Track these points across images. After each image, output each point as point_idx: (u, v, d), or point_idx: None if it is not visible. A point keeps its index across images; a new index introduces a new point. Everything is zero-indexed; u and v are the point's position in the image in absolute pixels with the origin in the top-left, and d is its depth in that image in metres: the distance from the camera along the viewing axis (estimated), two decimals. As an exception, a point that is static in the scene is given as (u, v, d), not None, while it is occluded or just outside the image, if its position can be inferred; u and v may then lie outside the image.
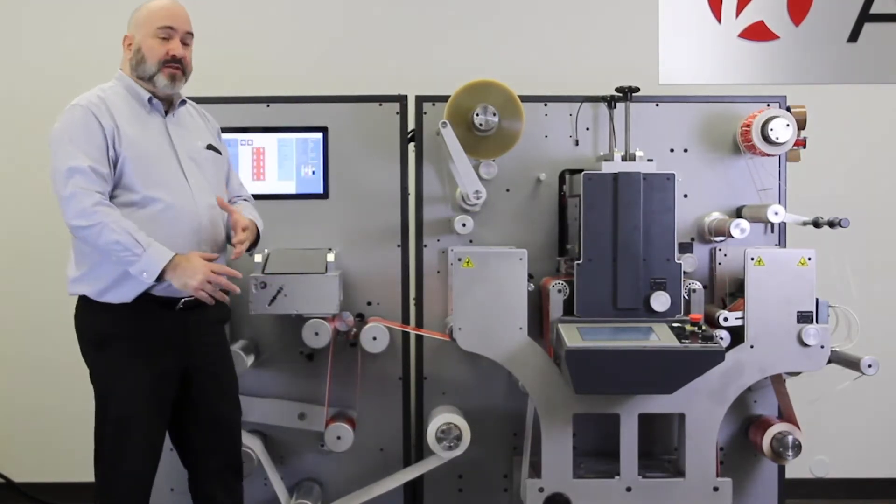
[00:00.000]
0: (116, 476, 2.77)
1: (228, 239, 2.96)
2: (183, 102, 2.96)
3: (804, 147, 3.53)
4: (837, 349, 3.30)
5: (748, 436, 3.56)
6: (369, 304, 3.57)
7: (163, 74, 2.83)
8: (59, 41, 4.35)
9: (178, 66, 2.85)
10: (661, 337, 3.08)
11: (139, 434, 2.76)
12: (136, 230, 2.67)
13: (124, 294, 2.74)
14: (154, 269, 2.66)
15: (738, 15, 4.41)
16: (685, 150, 3.59)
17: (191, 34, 2.90)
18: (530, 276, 3.27)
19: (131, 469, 2.76)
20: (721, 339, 3.23)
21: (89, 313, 2.80)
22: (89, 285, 2.77)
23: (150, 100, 2.86)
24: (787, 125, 3.41)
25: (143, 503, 2.82)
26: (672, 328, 3.12)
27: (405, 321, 3.56)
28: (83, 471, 4.38)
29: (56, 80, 4.29)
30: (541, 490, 3.18)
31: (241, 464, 3.07)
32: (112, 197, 2.73)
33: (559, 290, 3.26)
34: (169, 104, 2.91)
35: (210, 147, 2.98)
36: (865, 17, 4.39)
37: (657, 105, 3.59)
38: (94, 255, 2.74)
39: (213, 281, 2.72)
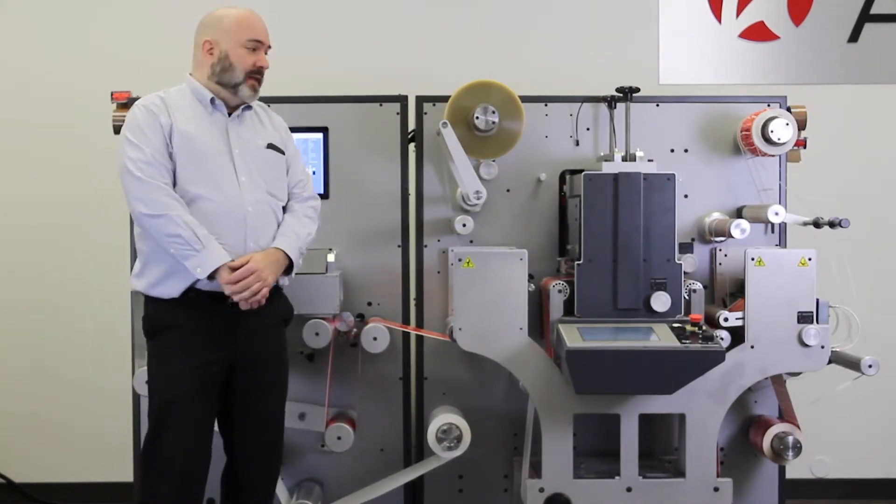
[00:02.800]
0: (157, 461, 2.85)
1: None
2: (249, 107, 3.02)
3: (804, 147, 3.53)
4: (838, 349, 3.30)
5: (748, 436, 3.56)
6: (369, 304, 3.57)
7: (247, 85, 2.94)
8: (66, 41, 4.34)
9: (260, 77, 2.96)
10: (662, 337, 3.08)
11: (181, 421, 2.84)
12: (198, 226, 2.77)
13: (171, 289, 2.85)
14: (208, 266, 2.77)
15: (738, 15, 4.41)
16: (685, 151, 3.59)
17: (269, 47, 3.01)
18: (530, 277, 3.27)
19: (171, 455, 2.83)
20: (721, 339, 3.23)
21: (146, 306, 2.93)
22: (142, 280, 2.90)
23: (212, 100, 2.93)
24: (788, 125, 3.41)
25: (186, 493, 2.86)
26: (672, 328, 3.12)
27: (405, 321, 3.56)
28: (83, 471, 4.41)
29: (65, 80, 4.30)
30: (541, 490, 3.18)
31: (279, 463, 3.12)
32: None
33: (559, 291, 3.26)
34: (233, 106, 2.98)
35: (270, 146, 3.02)
36: (865, 17, 4.39)
37: (657, 105, 3.59)
38: (147, 253, 2.88)
39: (263, 293, 2.84)
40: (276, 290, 3.00)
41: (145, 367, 3.13)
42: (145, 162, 2.78)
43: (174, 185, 2.83)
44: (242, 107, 3.00)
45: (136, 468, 3.53)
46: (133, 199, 2.78)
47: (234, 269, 2.79)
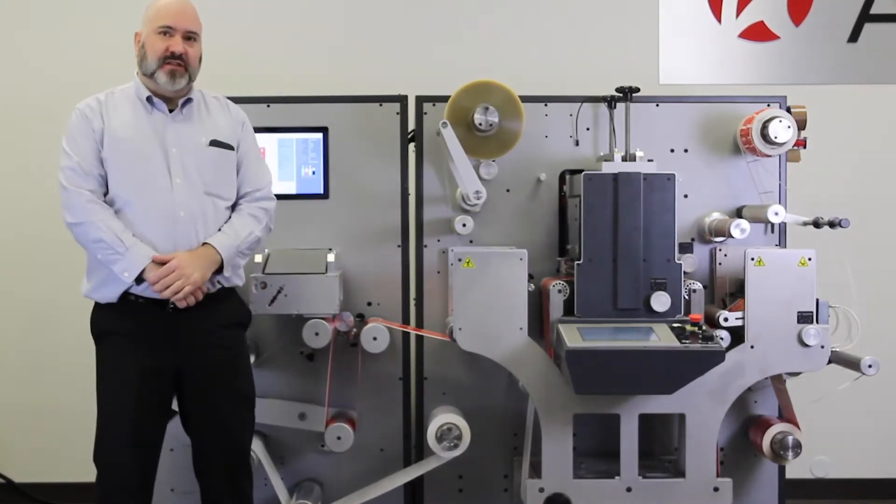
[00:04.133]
0: (106, 468, 2.84)
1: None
2: (189, 100, 2.94)
3: (804, 147, 3.52)
4: (837, 349, 3.30)
5: (748, 436, 3.56)
6: (369, 304, 3.57)
7: (162, 71, 2.85)
8: (60, 43, 4.34)
9: (179, 63, 2.85)
10: (662, 337, 3.08)
11: (125, 428, 2.80)
12: (123, 230, 2.76)
13: (109, 294, 2.85)
14: (134, 269, 2.75)
15: (738, 15, 4.41)
16: (685, 151, 3.59)
17: (194, 32, 2.91)
18: (530, 277, 3.27)
19: (118, 461, 2.81)
20: (721, 339, 3.23)
21: (93, 310, 2.93)
22: (87, 285, 2.91)
23: (149, 98, 2.89)
24: (788, 125, 3.41)
25: (135, 498, 2.85)
26: (672, 328, 3.12)
27: (405, 321, 3.56)
28: (83, 471, 4.38)
29: (57, 83, 4.30)
30: (541, 490, 3.18)
31: (246, 467, 3.04)
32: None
33: (559, 291, 3.26)
34: (175, 102, 2.92)
35: (215, 143, 2.95)
36: (865, 17, 4.39)
37: (657, 105, 3.59)
38: (89, 258, 2.91)
39: (197, 287, 2.81)
40: (227, 292, 2.96)
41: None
42: (71, 170, 2.80)
43: (107, 191, 2.83)
44: (182, 101, 2.93)
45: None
46: (62, 208, 2.80)
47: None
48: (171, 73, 2.85)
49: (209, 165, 2.93)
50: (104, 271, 2.82)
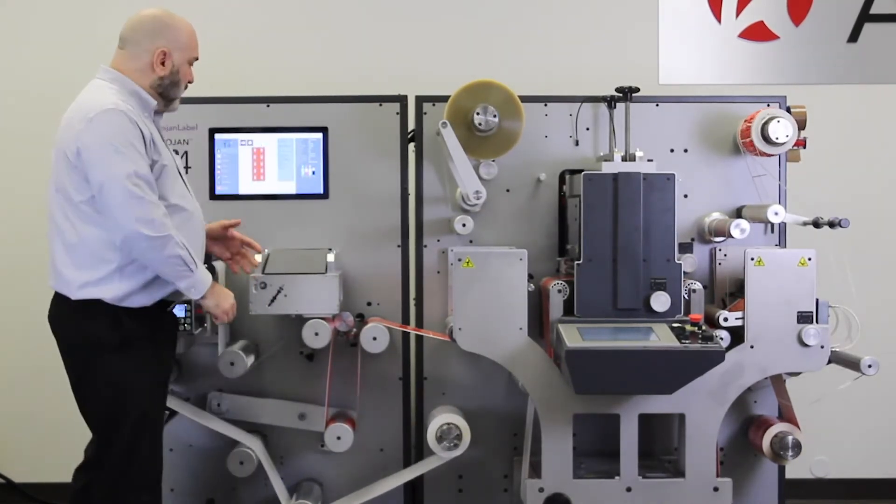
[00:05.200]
0: (146, 471, 2.83)
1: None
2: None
3: (804, 147, 3.52)
4: (837, 349, 3.30)
5: (748, 436, 3.56)
6: (369, 304, 3.57)
7: (179, 99, 2.95)
8: (65, 40, 4.34)
9: None
10: (661, 337, 3.08)
11: (160, 428, 2.91)
12: (188, 245, 2.74)
13: (149, 298, 2.78)
14: (202, 287, 2.77)
15: (738, 15, 4.41)
16: (685, 150, 3.59)
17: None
18: (530, 277, 3.27)
19: (159, 462, 2.89)
20: (721, 339, 3.23)
21: (107, 316, 2.74)
22: (110, 289, 2.72)
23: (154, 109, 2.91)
24: (788, 125, 3.41)
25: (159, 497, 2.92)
26: (672, 328, 3.12)
27: (405, 321, 3.56)
28: (83, 471, 4.39)
29: (65, 80, 4.29)
30: (541, 490, 3.18)
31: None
32: None
33: (559, 291, 3.26)
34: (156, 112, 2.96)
35: (177, 151, 3.11)
36: (865, 17, 4.39)
37: (657, 105, 3.59)
38: (116, 260, 2.71)
39: (235, 308, 2.91)
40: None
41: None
42: (142, 178, 2.66)
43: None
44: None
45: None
46: (129, 214, 2.62)
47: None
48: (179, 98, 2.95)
49: (182, 170, 3.02)
50: (144, 277, 2.73)
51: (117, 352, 2.75)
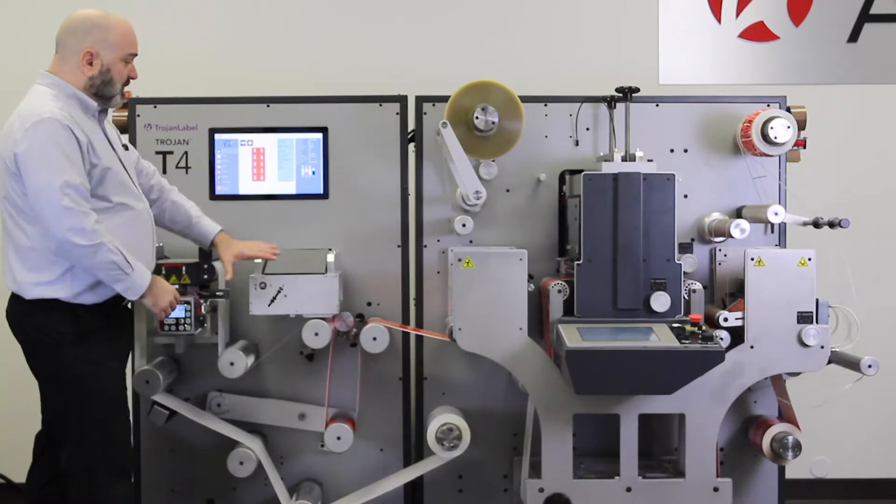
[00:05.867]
0: (119, 455, 2.94)
1: None
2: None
3: (804, 147, 3.53)
4: (837, 349, 3.30)
5: (748, 436, 3.56)
6: (369, 304, 3.57)
7: (120, 95, 2.97)
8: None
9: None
10: (661, 337, 3.08)
11: (126, 412, 3.02)
12: (126, 250, 2.81)
13: (100, 295, 2.89)
14: (138, 288, 2.84)
15: (738, 15, 4.41)
16: (685, 151, 3.59)
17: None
18: (530, 277, 3.27)
19: (129, 447, 3.03)
20: (721, 339, 3.23)
21: (62, 313, 2.86)
22: (63, 289, 2.84)
23: (96, 109, 2.94)
24: (787, 125, 3.41)
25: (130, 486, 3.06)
26: (672, 328, 3.12)
27: (405, 321, 3.56)
28: (83, 471, 4.38)
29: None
30: (541, 490, 3.18)
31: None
32: None
33: (559, 291, 3.26)
34: (101, 110, 2.99)
35: (125, 146, 3.11)
36: (865, 17, 4.39)
37: (657, 105, 3.59)
38: (65, 262, 2.83)
39: (172, 306, 2.95)
40: None
41: (147, 368, 3.22)
42: (74, 188, 2.73)
43: (93, 196, 2.83)
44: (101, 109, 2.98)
45: (136, 467, 3.53)
46: (60, 224, 2.70)
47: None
48: (124, 94, 2.98)
49: (133, 168, 3.09)
50: (91, 278, 2.85)
51: (76, 344, 2.87)
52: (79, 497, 2.90)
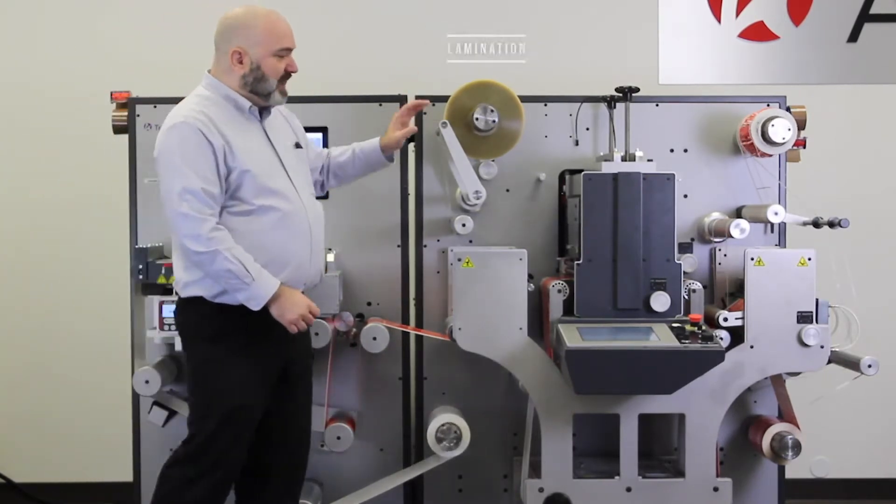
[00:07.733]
0: (223, 465, 2.85)
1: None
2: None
3: (804, 147, 3.53)
4: (837, 349, 3.30)
5: (748, 436, 3.56)
6: (369, 304, 3.57)
7: (278, 91, 2.92)
8: (66, 41, 4.35)
9: (287, 80, 2.95)
10: (661, 337, 3.08)
11: (248, 424, 2.87)
12: (248, 259, 2.76)
13: (233, 298, 2.82)
14: (260, 299, 2.78)
15: (738, 15, 4.41)
16: (685, 150, 3.59)
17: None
18: (530, 276, 3.27)
19: (238, 458, 2.87)
20: (721, 339, 3.23)
21: (204, 310, 2.86)
22: (204, 289, 2.84)
23: (249, 108, 2.90)
24: (787, 125, 3.41)
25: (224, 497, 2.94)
26: (672, 328, 3.12)
27: (405, 321, 3.56)
28: (83, 471, 4.41)
29: (64, 80, 4.31)
30: (541, 490, 3.18)
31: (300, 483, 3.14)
32: (226, 207, 2.81)
33: (559, 291, 3.26)
34: (263, 109, 2.96)
35: (297, 145, 3.05)
36: (865, 17, 4.39)
37: (657, 105, 3.59)
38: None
39: (307, 320, 2.85)
40: None
41: (147, 368, 3.24)
42: (193, 194, 2.72)
43: (234, 199, 2.80)
44: (265, 108, 2.96)
45: (136, 468, 3.54)
46: (180, 229, 2.74)
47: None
48: (283, 91, 2.93)
49: (303, 167, 3.04)
50: None
51: (211, 342, 2.86)
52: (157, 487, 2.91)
